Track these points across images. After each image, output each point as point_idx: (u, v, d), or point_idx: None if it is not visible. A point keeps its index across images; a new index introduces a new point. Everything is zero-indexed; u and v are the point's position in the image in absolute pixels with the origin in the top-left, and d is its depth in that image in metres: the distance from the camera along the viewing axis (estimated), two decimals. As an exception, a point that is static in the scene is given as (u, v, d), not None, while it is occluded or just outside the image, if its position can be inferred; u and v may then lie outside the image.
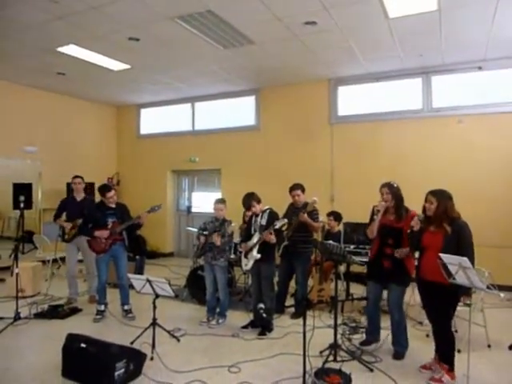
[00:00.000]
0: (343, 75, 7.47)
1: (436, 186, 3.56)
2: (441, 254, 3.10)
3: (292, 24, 5.22)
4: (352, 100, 7.63)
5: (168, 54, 6.36)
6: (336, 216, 5.92)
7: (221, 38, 5.68)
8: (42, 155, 8.33)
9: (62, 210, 5.74)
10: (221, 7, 4.80)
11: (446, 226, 3.36)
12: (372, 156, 7.23)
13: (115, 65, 6.85)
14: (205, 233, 4.91)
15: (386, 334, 4.11)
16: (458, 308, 3.71)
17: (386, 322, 4.16)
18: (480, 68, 6.50)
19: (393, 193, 3.87)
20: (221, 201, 4.96)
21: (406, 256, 3.79)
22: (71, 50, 6.14)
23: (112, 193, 5.07)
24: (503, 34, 5.47)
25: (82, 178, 5.82)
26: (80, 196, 5.77)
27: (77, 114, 9.31)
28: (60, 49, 6.10)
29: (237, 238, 5.68)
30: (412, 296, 5.06)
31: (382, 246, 3.93)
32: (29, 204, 7.75)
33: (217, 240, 4.65)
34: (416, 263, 3.75)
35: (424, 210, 3.52)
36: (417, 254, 3.81)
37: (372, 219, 4.01)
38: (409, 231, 3.65)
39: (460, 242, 3.30)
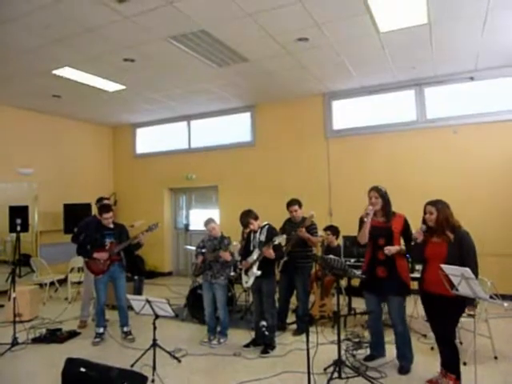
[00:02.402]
0: (337, 89, 7.54)
1: (434, 197, 3.57)
2: (442, 265, 3.09)
3: (285, 41, 5.30)
4: (347, 114, 7.69)
5: (163, 73, 6.42)
6: (334, 230, 5.92)
7: (215, 56, 5.74)
8: (38, 177, 8.30)
9: (83, 230, 5.39)
10: (214, 27, 4.87)
11: (449, 233, 3.37)
12: (369, 168, 7.25)
13: (110, 86, 6.90)
14: (203, 251, 4.89)
15: (390, 349, 4.05)
16: (462, 319, 3.69)
17: (389, 336, 4.12)
18: (472, 78, 6.59)
19: (381, 196, 3.90)
20: (209, 221, 4.92)
21: (401, 264, 3.77)
22: (66, 72, 6.18)
23: (109, 214, 5.02)
24: (493, 45, 5.56)
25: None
26: None
27: (73, 135, 9.33)
28: (55, 71, 6.14)
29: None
30: (415, 308, 5.02)
31: (375, 252, 3.92)
32: (25, 227, 7.70)
33: (226, 256, 4.63)
34: (419, 275, 3.73)
35: (424, 221, 3.52)
36: (419, 266, 3.80)
37: (361, 227, 3.99)
38: (412, 243, 3.65)
39: (462, 251, 3.29)
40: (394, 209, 3.97)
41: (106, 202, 5.73)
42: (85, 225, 5.55)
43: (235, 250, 4.83)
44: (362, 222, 3.99)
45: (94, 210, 5.79)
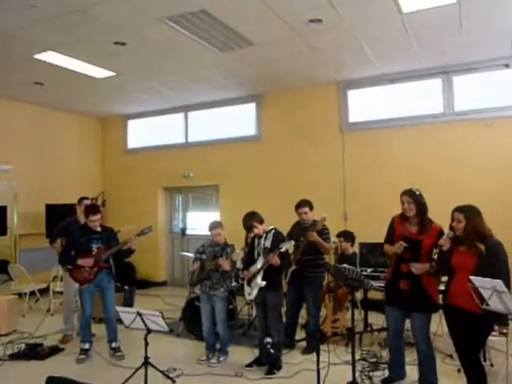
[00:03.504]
0: (354, 77, 7.53)
1: (461, 198, 3.55)
2: (472, 277, 3.07)
3: (295, 22, 5.29)
4: (365, 105, 7.68)
5: (158, 59, 6.44)
6: (347, 236, 5.91)
7: (216, 39, 5.75)
8: (18, 174, 8.33)
9: (62, 233, 5.66)
10: (216, 6, 4.87)
11: (479, 245, 3.33)
12: (389, 166, 7.23)
13: (99, 72, 6.93)
14: (203, 257, 4.90)
15: (411, 370, 4.04)
16: (494, 338, 3.66)
17: (411, 356, 4.10)
18: (507, 66, 6.55)
19: (415, 200, 3.82)
20: (216, 225, 4.94)
21: (428, 278, 3.75)
22: (50, 57, 6.22)
23: (97, 216, 5.04)
24: (531, 28, 5.53)
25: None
26: (83, 218, 5.68)
27: (57, 127, 9.39)
28: (37, 56, 6.18)
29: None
30: (440, 325, 4.99)
31: (398, 263, 3.90)
32: (3, 230, 7.75)
33: (225, 264, 4.63)
34: (443, 287, 3.71)
35: (451, 228, 3.49)
36: (445, 278, 3.77)
37: (388, 235, 3.99)
38: (436, 250, 3.61)
39: (492, 263, 3.26)
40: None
41: (86, 202, 5.79)
42: (66, 225, 5.65)
43: (238, 258, 4.83)
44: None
45: (79, 212, 5.82)
